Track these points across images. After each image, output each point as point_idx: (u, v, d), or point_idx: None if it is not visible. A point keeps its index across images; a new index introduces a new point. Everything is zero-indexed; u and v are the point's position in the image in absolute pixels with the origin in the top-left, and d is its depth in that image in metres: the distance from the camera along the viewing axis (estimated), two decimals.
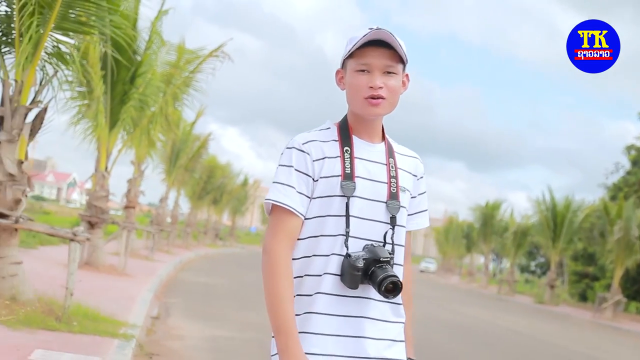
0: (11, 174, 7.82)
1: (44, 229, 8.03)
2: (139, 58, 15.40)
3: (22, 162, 7.97)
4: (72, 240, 7.62)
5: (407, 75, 2.25)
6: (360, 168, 2.19)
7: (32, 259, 13.99)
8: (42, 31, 8.20)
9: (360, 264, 2.08)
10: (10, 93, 8.02)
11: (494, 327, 18.09)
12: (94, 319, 7.78)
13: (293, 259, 2.19)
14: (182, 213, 45.34)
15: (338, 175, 2.15)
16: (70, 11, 8.53)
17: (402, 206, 2.22)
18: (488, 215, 47.51)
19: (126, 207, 20.24)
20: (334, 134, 2.24)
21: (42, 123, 8.28)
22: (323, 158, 2.18)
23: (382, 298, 2.13)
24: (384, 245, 2.16)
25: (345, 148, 2.19)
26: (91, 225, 14.74)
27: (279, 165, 2.21)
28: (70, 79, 10.40)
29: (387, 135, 2.32)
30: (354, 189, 2.15)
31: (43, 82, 8.48)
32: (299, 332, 2.11)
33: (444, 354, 11.03)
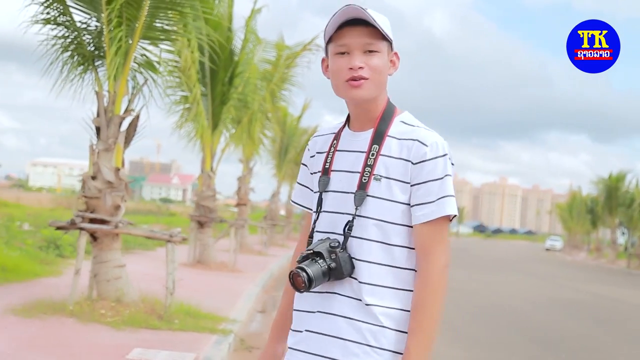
0: (109, 182, 8.16)
1: (143, 232, 8.36)
2: (236, 58, 15.71)
3: (118, 170, 8.31)
4: (168, 241, 7.89)
5: (395, 53, 2.08)
6: (339, 161, 2.12)
7: (148, 260, 14.60)
8: (130, 42, 8.52)
9: (299, 258, 2.03)
10: (105, 104, 8.38)
11: (617, 304, 17.34)
12: (195, 316, 8.01)
13: None
14: None
15: (319, 171, 2.17)
16: (156, 21, 8.83)
17: (371, 196, 2.02)
18: (612, 188, 45.64)
19: (237, 205, 20.73)
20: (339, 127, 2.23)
21: (135, 130, 8.62)
22: (314, 155, 2.23)
23: (348, 293, 2.01)
24: (345, 239, 2.03)
25: (334, 142, 2.16)
26: (201, 225, 15.19)
27: None
28: (162, 85, 10.72)
29: (397, 116, 2.08)
30: (327, 183, 2.12)
31: (134, 91, 8.81)
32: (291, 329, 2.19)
33: (562, 336, 10.63)
